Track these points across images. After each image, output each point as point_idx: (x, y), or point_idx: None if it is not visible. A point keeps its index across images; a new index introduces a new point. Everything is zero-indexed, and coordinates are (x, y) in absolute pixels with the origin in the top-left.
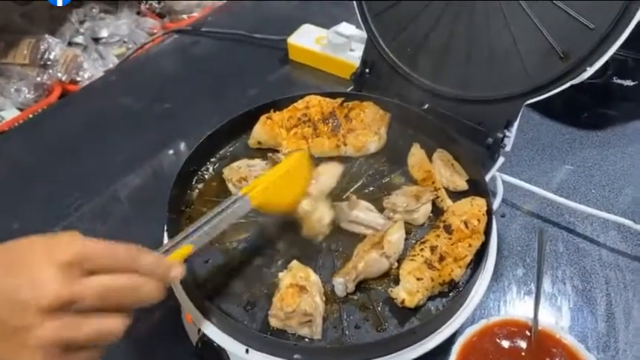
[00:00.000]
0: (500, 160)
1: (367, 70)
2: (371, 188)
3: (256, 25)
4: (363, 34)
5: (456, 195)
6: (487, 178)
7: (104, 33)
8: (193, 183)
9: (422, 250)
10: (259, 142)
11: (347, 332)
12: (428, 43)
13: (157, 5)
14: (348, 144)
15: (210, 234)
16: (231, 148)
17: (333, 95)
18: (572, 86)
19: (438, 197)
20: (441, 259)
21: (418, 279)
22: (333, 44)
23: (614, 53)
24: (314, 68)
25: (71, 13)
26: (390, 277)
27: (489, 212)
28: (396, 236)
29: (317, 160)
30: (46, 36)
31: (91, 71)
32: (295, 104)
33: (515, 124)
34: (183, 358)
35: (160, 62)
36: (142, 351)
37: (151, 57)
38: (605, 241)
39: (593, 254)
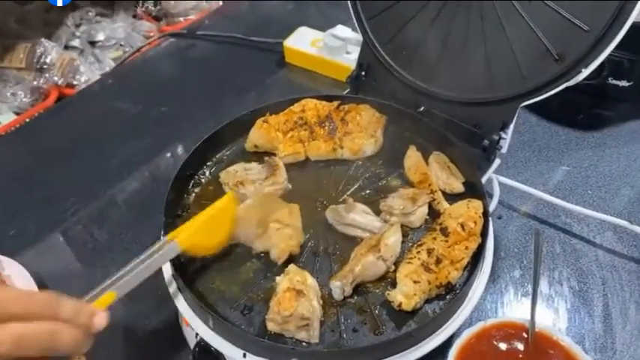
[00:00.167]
0: (497, 161)
1: (363, 73)
2: (367, 191)
3: (252, 28)
4: (358, 36)
5: (452, 197)
6: (483, 180)
7: (100, 36)
8: (190, 187)
9: (419, 252)
10: (256, 146)
11: (344, 336)
12: (423, 46)
13: (153, 8)
14: (345, 147)
15: (136, 280)
16: (228, 152)
17: (329, 98)
18: (567, 87)
19: (434, 200)
20: (438, 261)
21: (415, 282)
22: (329, 47)
23: (609, 54)
24: (310, 71)
25: (67, 16)
26: (387, 280)
27: (486, 214)
28: (392, 239)
29: (314, 164)
30: (42, 40)
31: (87, 75)
32: (291, 107)
33: (511, 126)
34: None
35: (157, 65)
36: (140, 356)
37: (148, 60)
38: (601, 241)
39: (589, 255)
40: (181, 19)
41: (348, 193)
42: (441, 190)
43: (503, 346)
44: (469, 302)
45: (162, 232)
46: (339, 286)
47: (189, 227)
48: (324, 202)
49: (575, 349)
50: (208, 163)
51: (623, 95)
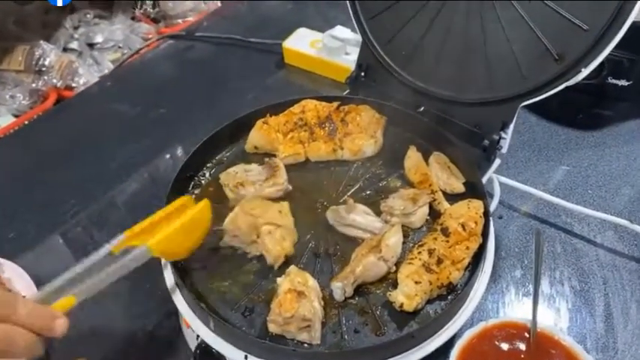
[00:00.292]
0: (497, 161)
1: (362, 74)
2: (368, 192)
3: (251, 30)
4: (358, 37)
5: (452, 197)
6: (484, 180)
7: (99, 38)
8: (190, 188)
9: (420, 253)
10: (256, 147)
11: (346, 337)
12: (423, 46)
13: (151, 10)
14: (345, 148)
15: (100, 285)
16: (228, 153)
17: (329, 99)
18: (567, 87)
19: (435, 200)
20: (439, 262)
21: (416, 282)
22: (328, 48)
23: (609, 53)
24: (309, 72)
25: (65, 18)
26: (389, 280)
27: (486, 214)
28: (393, 240)
29: (314, 165)
30: (41, 42)
31: (86, 77)
32: (291, 108)
33: (511, 126)
34: None
35: (155, 67)
36: (140, 358)
37: (146, 62)
38: (602, 241)
39: (590, 254)
40: (180, 20)
41: (349, 193)
42: (441, 190)
43: (504, 346)
44: (470, 302)
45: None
46: (340, 287)
47: (163, 231)
48: (325, 203)
49: (576, 349)
50: (208, 165)
51: (623, 94)
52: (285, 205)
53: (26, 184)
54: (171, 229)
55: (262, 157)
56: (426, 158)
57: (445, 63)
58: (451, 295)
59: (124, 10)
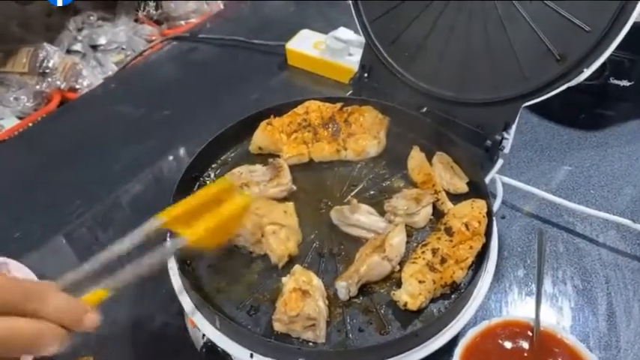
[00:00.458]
0: (500, 162)
1: (366, 75)
2: (371, 192)
3: (254, 31)
4: (361, 38)
5: (456, 197)
6: (487, 180)
7: (102, 40)
8: (195, 189)
9: (423, 252)
10: (260, 148)
11: (350, 336)
12: (425, 47)
13: (154, 12)
14: (348, 148)
15: (131, 277)
16: (232, 154)
17: (332, 100)
18: (569, 87)
19: (438, 200)
20: (443, 261)
21: (420, 282)
22: (331, 49)
23: (611, 54)
24: (312, 73)
25: (69, 20)
26: (393, 280)
27: (490, 214)
28: (397, 239)
29: (318, 165)
30: (45, 44)
31: (90, 79)
32: (295, 109)
33: (514, 126)
34: None
35: (159, 69)
36: (145, 356)
37: (150, 64)
38: (604, 240)
39: (592, 254)
40: (182, 22)
41: (352, 194)
42: (444, 190)
43: (508, 344)
44: (474, 301)
45: (167, 235)
46: (344, 287)
47: (202, 224)
48: (329, 203)
49: (579, 348)
50: (213, 166)
51: (625, 95)
52: (290, 206)
53: (31, 185)
54: (212, 224)
55: (266, 157)
56: (429, 158)
57: (448, 64)
58: (455, 294)
59: (127, 12)
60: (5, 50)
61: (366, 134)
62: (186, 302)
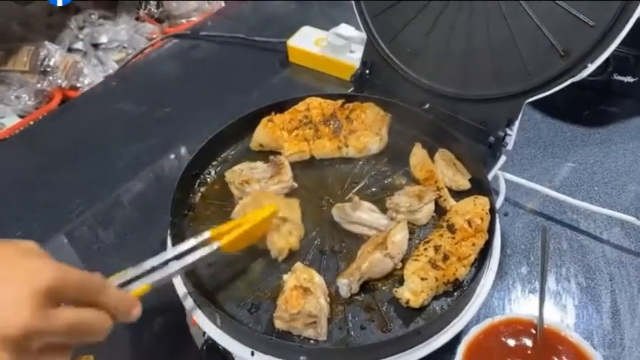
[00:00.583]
0: (502, 158)
1: (367, 71)
2: (373, 189)
3: (255, 29)
4: (362, 35)
5: (458, 194)
6: (489, 177)
7: (103, 39)
8: (196, 186)
9: (426, 249)
10: (261, 145)
11: (352, 333)
12: (427, 43)
13: (155, 10)
14: (350, 145)
15: (171, 275)
16: (233, 151)
17: (333, 97)
18: (572, 83)
19: (440, 197)
20: (445, 258)
21: (422, 279)
22: (332, 46)
23: (615, 50)
24: (314, 70)
25: (70, 19)
26: (395, 277)
27: (492, 211)
28: (399, 236)
29: (319, 162)
30: (46, 43)
31: (91, 77)
32: (296, 106)
33: (517, 123)
34: None
35: (160, 67)
36: (146, 355)
37: (151, 62)
38: (608, 237)
39: (596, 251)
40: (184, 20)
41: (354, 191)
42: (447, 187)
43: (511, 342)
44: (477, 299)
45: (168, 232)
46: (346, 284)
47: (233, 233)
48: (330, 201)
49: (584, 345)
50: (214, 163)
51: (629, 91)
52: (295, 202)
53: (32, 183)
54: (241, 231)
55: (267, 154)
56: (431, 155)
57: (450, 60)
58: (457, 291)
59: (128, 11)
60: (6, 49)
61: (367, 131)
62: (187, 300)
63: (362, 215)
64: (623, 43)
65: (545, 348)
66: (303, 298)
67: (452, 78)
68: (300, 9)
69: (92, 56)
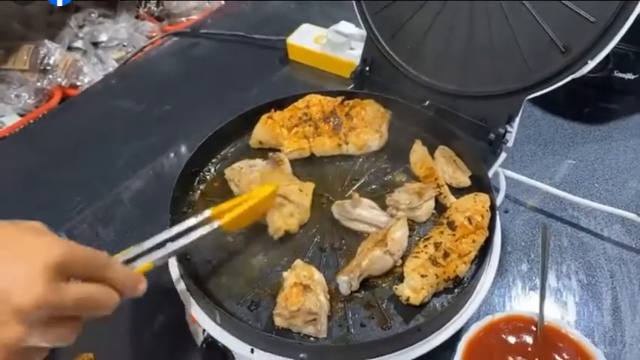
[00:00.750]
0: (503, 155)
1: (367, 68)
2: (373, 186)
3: (255, 26)
4: (362, 32)
5: (458, 191)
6: (490, 173)
7: (103, 37)
8: (195, 184)
9: (426, 246)
10: (260, 142)
11: (352, 330)
12: (427, 40)
13: (155, 9)
14: (350, 142)
15: (175, 253)
16: (233, 149)
17: (333, 94)
18: (573, 80)
19: (440, 194)
20: (445, 255)
21: (422, 276)
22: (332, 43)
23: (615, 47)
24: (314, 68)
25: (70, 18)
26: (395, 274)
27: (493, 208)
28: (399, 233)
29: (319, 159)
30: (46, 41)
31: (90, 75)
32: (296, 103)
33: (517, 119)
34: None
35: (160, 65)
36: (146, 353)
37: (151, 60)
38: (609, 234)
39: (597, 248)
40: (183, 19)
41: (354, 188)
42: (447, 184)
43: (511, 339)
44: (477, 296)
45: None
46: (346, 281)
47: (234, 211)
48: (330, 198)
49: (584, 342)
50: (213, 160)
51: (629, 88)
52: (309, 186)
53: (32, 182)
54: (242, 209)
55: (267, 152)
56: (431, 152)
57: (450, 56)
58: (458, 288)
59: (128, 9)
60: (6, 47)
61: (367, 128)
62: (187, 297)
63: (362, 212)
64: (623, 39)
65: (545, 345)
66: (303, 295)
67: (452, 75)
68: (300, 8)
69: (92, 55)
